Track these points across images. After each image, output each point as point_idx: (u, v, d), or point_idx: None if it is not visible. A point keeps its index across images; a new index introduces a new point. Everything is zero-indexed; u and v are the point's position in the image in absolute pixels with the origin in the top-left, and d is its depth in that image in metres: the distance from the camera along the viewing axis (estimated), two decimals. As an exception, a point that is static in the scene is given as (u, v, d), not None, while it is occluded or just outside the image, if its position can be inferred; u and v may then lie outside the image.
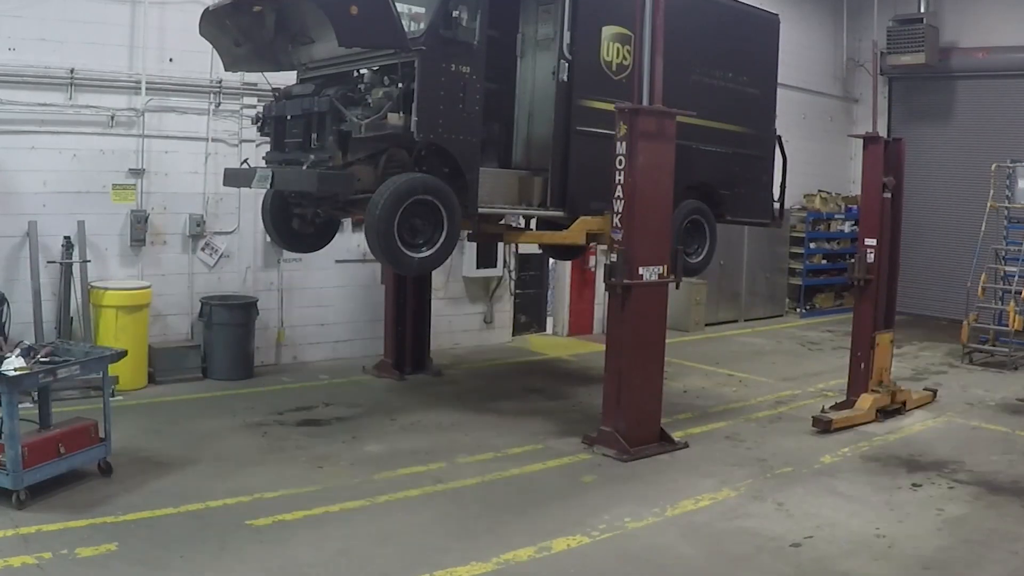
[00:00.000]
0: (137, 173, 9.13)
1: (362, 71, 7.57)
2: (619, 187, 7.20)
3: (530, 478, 6.74)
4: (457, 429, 7.92)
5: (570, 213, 8.12)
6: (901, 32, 15.04)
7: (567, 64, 7.96)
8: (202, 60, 9.36)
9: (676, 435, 7.61)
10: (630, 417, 7.26)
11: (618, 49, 8.25)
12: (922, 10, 15.27)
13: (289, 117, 7.49)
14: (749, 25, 9.75)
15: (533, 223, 9.37)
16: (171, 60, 9.25)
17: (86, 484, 6.13)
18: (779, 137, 10.02)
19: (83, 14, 8.69)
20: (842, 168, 17.02)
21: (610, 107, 7.52)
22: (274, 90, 8.00)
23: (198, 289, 9.63)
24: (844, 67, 16.88)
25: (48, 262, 8.57)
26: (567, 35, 7.95)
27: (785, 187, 10.20)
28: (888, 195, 8.76)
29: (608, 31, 8.24)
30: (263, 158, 8.04)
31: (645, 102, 7.19)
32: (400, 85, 7.02)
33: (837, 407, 8.59)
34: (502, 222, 8.72)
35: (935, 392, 9.55)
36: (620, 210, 7.20)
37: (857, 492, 6.60)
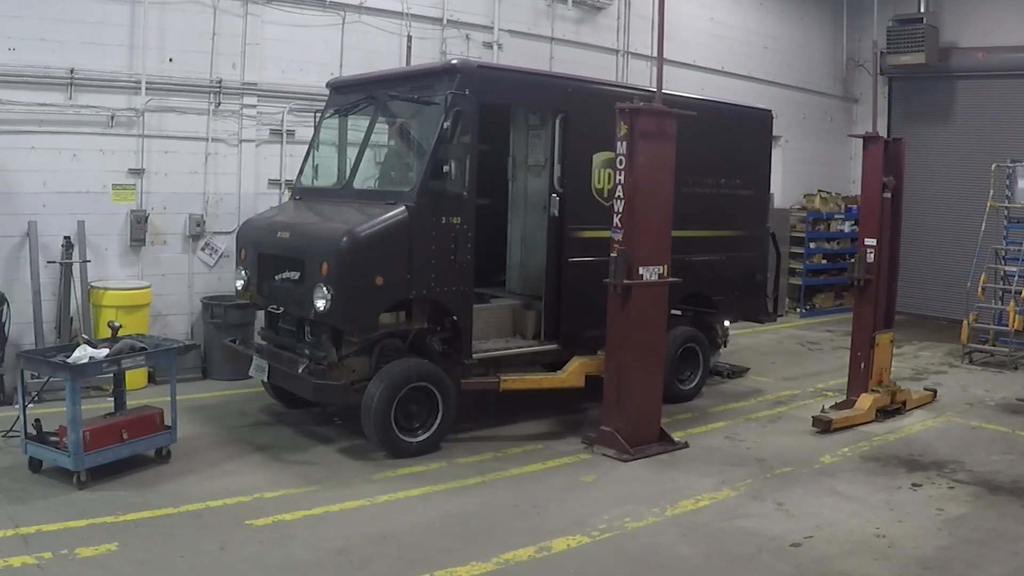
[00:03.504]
0: (137, 173, 9.13)
1: None
2: (619, 187, 7.19)
3: (530, 478, 6.74)
4: (456, 429, 7.91)
5: (564, 346, 7.93)
6: (901, 32, 15.03)
7: (558, 198, 7.75)
8: (202, 60, 9.39)
9: (676, 435, 7.61)
10: (630, 417, 7.27)
11: (610, 175, 7.77)
12: (922, 10, 15.26)
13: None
14: (742, 124, 9.50)
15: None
16: (171, 60, 9.24)
17: (86, 484, 6.12)
18: (772, 234, 9.81)
19: (83, 14, 8.68)
20: (842, 168, 17.03)
21: (603, 235, 7.38)
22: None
23: (198, 289, 9.64)
24: (844, 67, 16.90)
25: (48, 262, 8.57)
26: (557, 167, 7.74)
27: (779, 283, 9.97)
28: (888, 195, 8.76)
29: (600, 158, 7.94)
30: (256, 341, 7.90)
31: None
32: None
33: (837, 407, 8.59)
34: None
35: (935, 392, 9.55)
36: (620, 210, 7.19)
37: (857, 492, 6.60)
